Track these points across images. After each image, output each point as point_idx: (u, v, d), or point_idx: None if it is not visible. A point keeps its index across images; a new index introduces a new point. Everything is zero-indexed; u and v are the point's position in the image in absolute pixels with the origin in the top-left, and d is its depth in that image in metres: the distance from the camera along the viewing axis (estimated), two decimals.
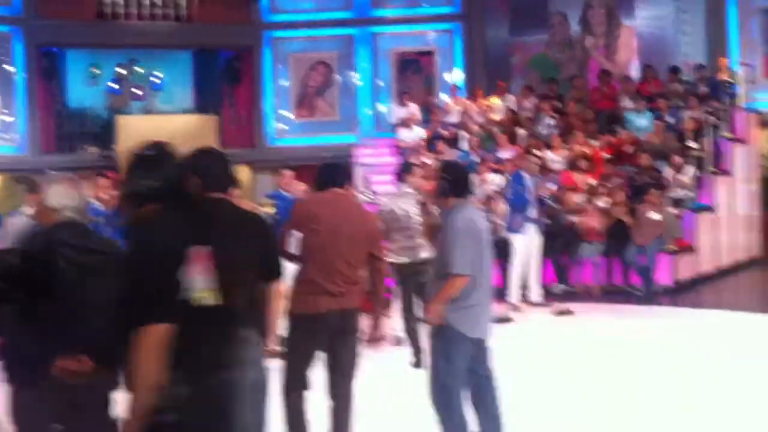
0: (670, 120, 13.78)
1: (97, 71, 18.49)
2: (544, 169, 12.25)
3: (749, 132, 14.53)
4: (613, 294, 11.27)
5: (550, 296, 10.60)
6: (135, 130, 16.65)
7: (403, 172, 7.48)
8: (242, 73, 18.70)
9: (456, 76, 18.20)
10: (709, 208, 12.69)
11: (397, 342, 7.84)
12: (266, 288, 3.71)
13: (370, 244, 4.58)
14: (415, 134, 15.10)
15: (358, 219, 4.64)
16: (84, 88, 18.41)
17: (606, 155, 13.28)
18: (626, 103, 14.71)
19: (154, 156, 3.11)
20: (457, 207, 4.54)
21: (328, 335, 4.48)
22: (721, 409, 5.68)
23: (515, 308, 9.95)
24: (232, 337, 3.15)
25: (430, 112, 16.00)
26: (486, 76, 17.67)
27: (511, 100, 15.80)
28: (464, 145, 14.63)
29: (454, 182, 4.62)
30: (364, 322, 4.67)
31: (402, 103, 16.24)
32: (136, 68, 18.58)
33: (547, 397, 6.16)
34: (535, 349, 8.01)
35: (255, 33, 18.35)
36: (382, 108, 18.28)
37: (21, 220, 6.51)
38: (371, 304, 4.65)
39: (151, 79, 18.64)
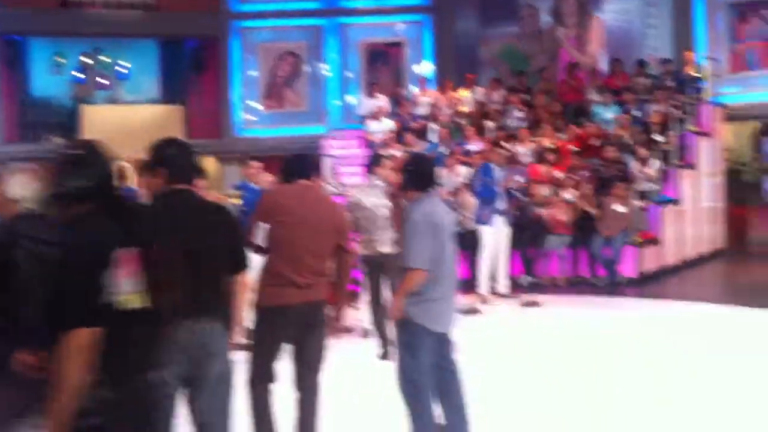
0: (637, 113, 13.89)
1: (62, 60, 18.24)
2: (512, 162, 12.29)
3: (714, 126, 14.69)
4: (579, 285, 11.36)
5: (517, 288, 10.65)
6: (100, 120, 16.49)
7: (372, 164, 7.46)
8: (209, 63, 18.54)
9: (425, 67, 18.19)
10: (674, 201, 12.82)
11: (365, 334, 7.85)
12: (232, 280, 3.69)
13: (338, 236, 4.55)
14: (384, 126, 15.06)
15: (326, 211, 4.60)
16: (48, 77, 18.17)
17: (573, 148, 13.35)
18: (593, 95, 14.81)
19: (84, 155, 3.03)
20: (419, 200, 4.52)
21: (295, 327, 4.44)
22: (691, 399, 5.73)
23: (484, 300, 9.98)
24: (159, 339, 3.11)
25: (398, 104, 15.97)
26: (455, 68, 17.68)
27: (480, 92, 15.83)
28: (433, 137, 14.63)
29: (416, 175, 4.60)
30: (331, 314, 4.64)
31: (371, 95, 16.19)
32: (101, 57, 18.37)
33: (515, 388, 6.18)
34: (503, 341, 8.03)
35: (222, 22, 18.20)
36: (350, 99, 18.23)
37: None
38: (336, 296, 4.61)
39: (117, 68, 18.42)
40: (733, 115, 15.51)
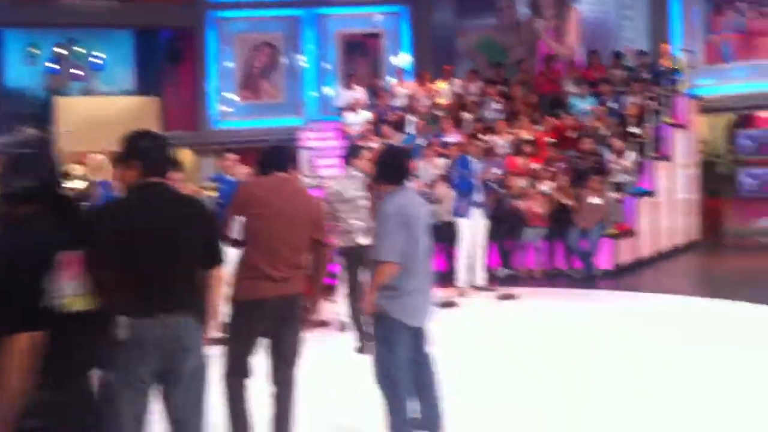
0: (613, 105, 13.95)
1: (35, 51, 18.02)
2: (490, 154, 12.31)
3: (689, 118, 14.79)
4: (555, 277, 11.40)
5: (494, 280, 10.67)
6: (74, 111, 16.33)
7: (350, 155, 7.47)
8: (185, 54, 18.38)
9: (402, 59, 18.16)
10: (649, 193, 12.89)
11: (342, 327, 7.83)
12: (207, 274, 3.65)
13: (314, 229, 4.52)
14: (361, 118, 15.03)
15: (302, 203, 4.57)
16: (21, 68, 17.94)
17: (550, 140, 13.39)
18: (570, 87, 14.86)
19: (30, 155, 2.98)
20: (392, 193, 4.50)
21: (271, 321, 4.41)
22: (668, 392, 5.76)
23: (461, 292, 9.99)
24: (103, 341, 3.08)
25: (376, 96, 15.94)
26: (433, 59, 17.66)
27: (458, 84, 15.83)
28: (410, 129, 14.61)
29: (389, 168, 4.58)
30: (307, 308, 4.61)
31: (348, 87, 16.14)
32: (76, 48, 18.15)
33: (492, 381, 6.19)
34: (480, 334, 8.05)
35: (198, 12, 18.04)
36: (328, 91, 18.16)
37: None
38: (313, 289, 4.58)
39: (91, 59, 18.22)
40: (708, 107, 15.62)
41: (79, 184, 9.93)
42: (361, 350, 6.83)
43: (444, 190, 11.17)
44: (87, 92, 18.13)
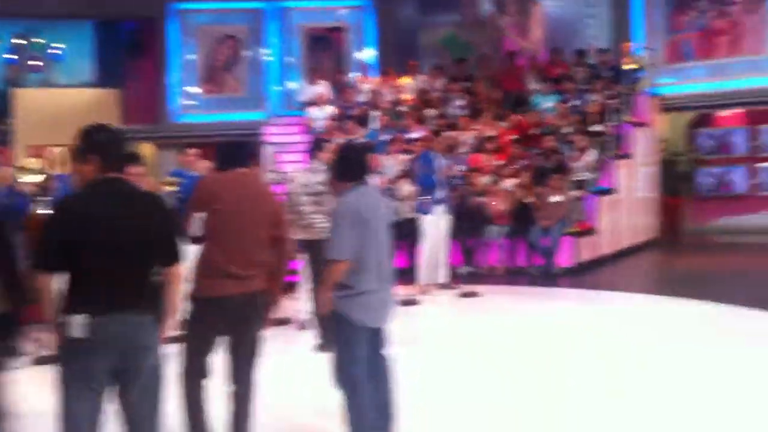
0: (575, 103, 14.04)
1: None
2: (453, 150, 12.31)
3: (650, 116, 14.93)
4: (515, 275, 11.43)
5: (456, 278, 10.67)
6: (33, 103, 16.06)
7: (314, 149, 7.45)
8: (146, 46, 18.15)
9: (367, 54, 18.11)
10: (610, 191, 12.99)
11: (303, 325, 7.77)
12: (165, 271, 3.60)
13: (274, 226, 4.47)
14: (325, 113, 14.96)
15: (263, 200, 4.52)
16: None
17: (513, 137, 13.44)
18: (533, 84, 14.93)
19: None
20: (348, 190, 4.46)
21: (231, 319, 4.36)
22: (627, 389, 5.80)
23: (423, 290, 9.99)
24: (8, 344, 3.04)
25: (340, 91, 15.87)
26: (397, 54, 17.64)
27: (422, 80, 15.82)
28: (374, 125, 14.58)
29: (345, 165, 4.54)
30: (268, 305, 4.56)
31: (312, 81, 16.06)
32: (35, 39, 17.82)
33: (455, 379, 6.19)
34: (443, 332, 8.08)
35: (159, 4, 17.80)
36: (291, 85, 18.06)
37: None
38: (274, 287, 4.53)
39: (50, 50, 17.91)
40: (669, 106, 15.80)
41: (36, 178, 9.77)
42: (321, 348, 6.78)
43: (407, 187, 11.15)
44: (46, 84, 17.83)
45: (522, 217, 11.63)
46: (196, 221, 4.43)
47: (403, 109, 14.75)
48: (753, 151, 16.33)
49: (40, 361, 6.65)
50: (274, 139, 15.11)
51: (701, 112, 16.65)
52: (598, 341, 7.35)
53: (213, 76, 18.16)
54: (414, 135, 13.50)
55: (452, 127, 13.64)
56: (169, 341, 3.67)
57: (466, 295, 9.85)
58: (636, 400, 5.50)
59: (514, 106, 14.44)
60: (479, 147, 13.14)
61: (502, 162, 12.61)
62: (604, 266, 12.16)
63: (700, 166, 16.67)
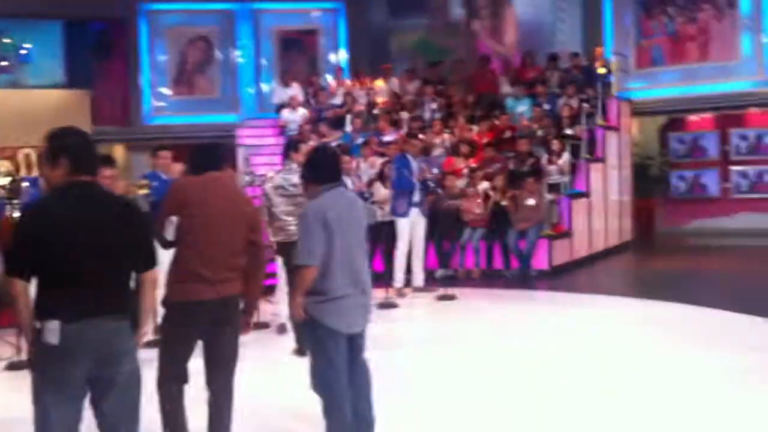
0: (548, 107, 14.08)
1: None
2: (427, 153, 12.30)
3: (622, 120, 15.03)
4: (491, 278, 11.43)
5: (432, 281, 10.64)
6: (1, 104, 15.76)
7: (289, 150, 7.42)
8: (116, 47, 17.97)
9: (340, 56, 18.06)
10: (583, 194, 13.04)
11: (281, 329, 7.70)
12: (140, 277, 3.54)
13: (250, 230, 4.40)
14: (299, 115, 14.89)
15: (237, 203, 4.45)
16: None
17: (487, 140, 13.45)
18: (506, 88, 14.96)
19: None
20: (318, 194, 4.40)
21: (207, 324, 4.28)
22: (601, 390, 5.81)
23: (400, 293, 9.94)
24: None
25: (313, 93, 15.81)
26: (370, 57, 17.61)
27: (395, 83, 15.80)
28: (348, 127, 14.53)
29: (315, 168, 4.47)
30: (245, 310, 4.49)
31: (285, 84, 15.98)
32: (3, 39, 17.55)
33: (432, 382, 6.16)
34: (420, 335, 8.05)
35: (129, 4, 17.67)
36: (264, 87, 17.95)
37: None
38: (250, 291, 4.45)
39: (18, 50, 17.63)
40: (640, 110, 15.93)
41: (4, 181, 9.59)
42: (299, 353, 6.70)
43: (382, 190, 11.09)
44: (14, 85, 17.55)
45: (498, 220, 11.62)
46: (170, 225, 4.34)
47: (377, 112, 14.71)
48: (724, 154, 16.50)
49: (16, 366, 6.55)
50: (248, 141, 15.00)
51: (672, 117, 16.80)
52: (584, 343, 7.37)
53: (184, 77, 18.03)
54: (388, 138, 13.46)
55: (426, 130, 13.62)
56: (146, 346, 3.60)
57: (443, 298, 9.82)
58: (629, 401, 5.53)
59: (488, 110, 14.45)
60: (454, 150, 13.13)
61: (476, 165, 12.60)
62: (579, 269, 12.20)
63: (672, 169, 16.80)
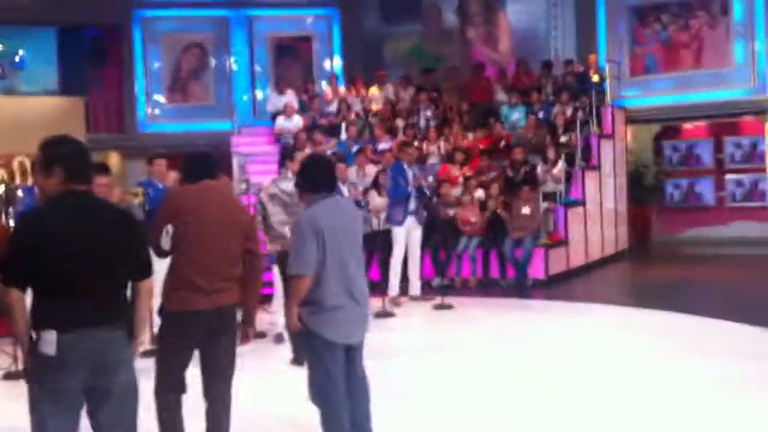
0: (543, 115, 14.08)
1: None
2: (423, 161, 12.29)
3: (617, 128, 15.04)
4: (488, 287, 11.41)
5: (429, 290, 10.61)
6: None
7: (284, 158, 7.42)
8: (111, 54, 17.92)
9: (335, 63, 18.06)
10: (579, 203, 13.03)
11: (279, 339, 7.68)
12: (135, 286, 3.54)
13: (246, 238, 4.38)
14: (294, 123, 14.87)
15: (233, 212, 4.44)
16: None
17: (482, 148, 13.45)
18: (500, 96, 14.96)
19: None
20: (311, 203, 4.38)
21: (204, 334, 4.26)
22: (598, 402, 5.79)
23: (396, 302, 9.91)
24: None
25: (308, 101, 15.79)
26: (364, 63, 17.60)
27: (390, 90, 15.80)
28: (343, 135, 14.51)
29: (309, 177, 4.45)
30: (241, 319, 4.47)
31: (279, 91, 15.96)
32: None
33: (430, 391, 6.14)
34: (423, 344, 8.09)
35: (124, 11, 17.61)
36: (259, 94, 17.93)
37: None
38: (247, 300, 4.43)
39: (12, 57, 17.58)
40: (634, 118, 15.94)
41: None
42: (297, 362, 6.67)
43: (377, 198, 11.08)
44: (8, 91, 17.49)
45: (494, 229, 11.60)
46: (165, 234, 4.32)
47: (372, 119, 14.71)
48: (718, 162, 16.51)
49: (12, 375, 6.52)
50: (243, 149, 14.97)
51: (666, 125, 16.81)
52: (580, 352, 7.37)
53: (179, 84, 17.99)
54: (383, 145, 13.45)
55: (421, 137, 13.61)
56: (143, 356, 3.58)
57: (440, 307, 9.79)
58: (625, 410, 5.53)
59: (483, 117, 14.45)
60: (449, 158, 13.12)
61: (471, 173, 12.60)
62: (575, 278, 12.18)
63: (667, 177, 16.81)
